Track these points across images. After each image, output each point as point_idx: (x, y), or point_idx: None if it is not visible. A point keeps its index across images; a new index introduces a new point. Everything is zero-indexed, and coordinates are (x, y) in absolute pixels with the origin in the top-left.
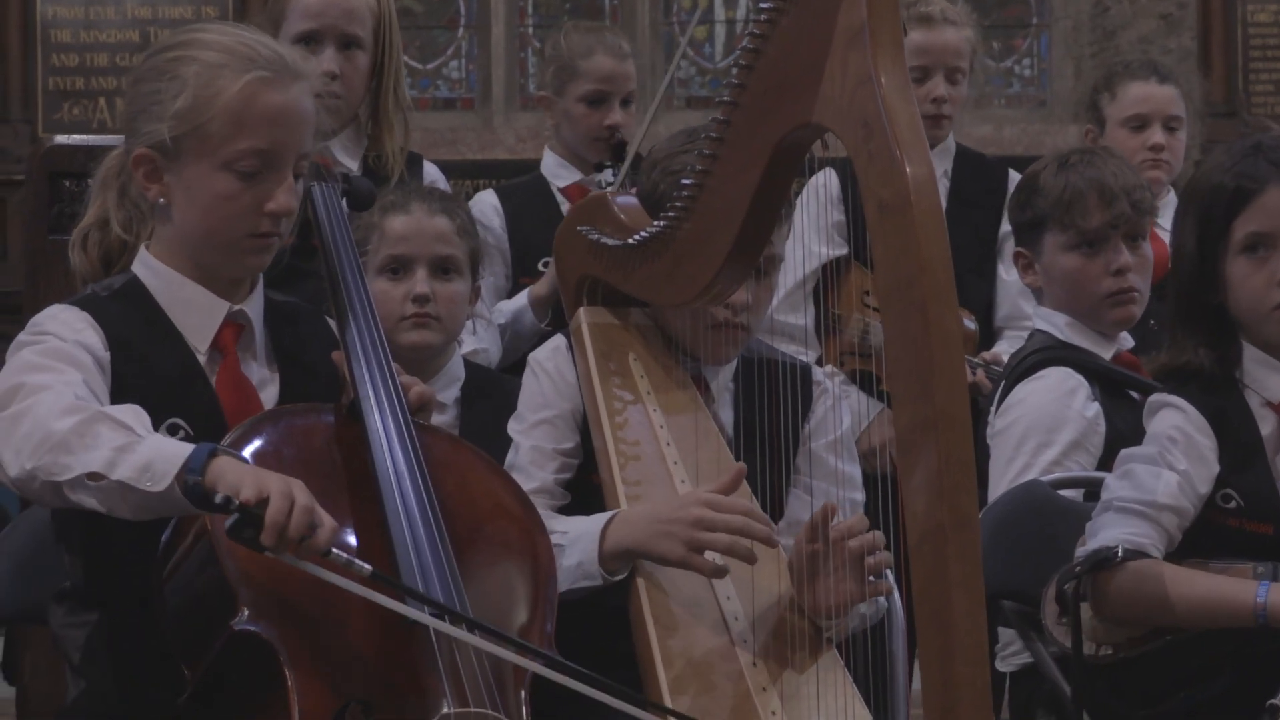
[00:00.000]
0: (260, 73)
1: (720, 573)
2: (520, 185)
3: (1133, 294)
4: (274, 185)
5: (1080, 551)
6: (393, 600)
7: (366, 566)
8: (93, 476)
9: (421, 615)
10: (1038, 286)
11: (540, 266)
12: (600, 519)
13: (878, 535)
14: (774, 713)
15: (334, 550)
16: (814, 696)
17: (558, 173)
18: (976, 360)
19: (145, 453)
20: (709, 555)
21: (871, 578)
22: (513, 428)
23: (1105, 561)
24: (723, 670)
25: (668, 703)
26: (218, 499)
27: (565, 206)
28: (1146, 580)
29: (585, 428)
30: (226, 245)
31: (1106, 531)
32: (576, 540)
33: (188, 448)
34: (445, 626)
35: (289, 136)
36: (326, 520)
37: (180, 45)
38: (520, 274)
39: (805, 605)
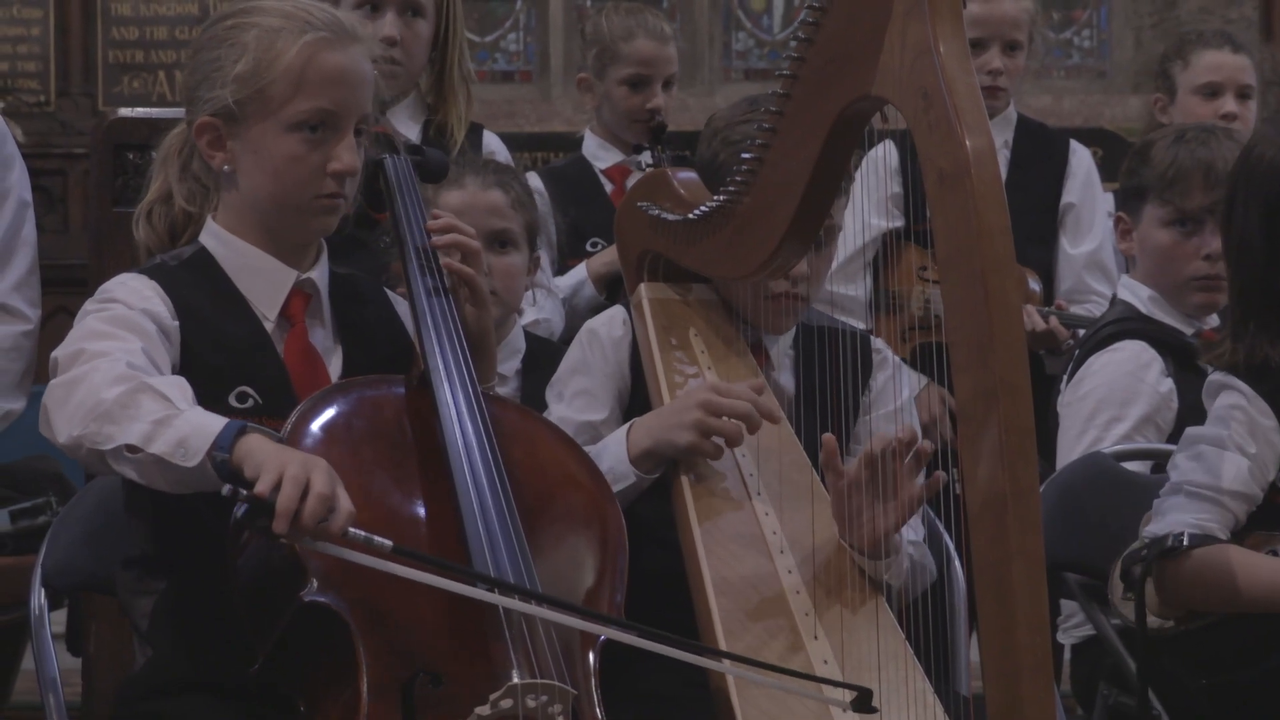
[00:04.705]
0: (318, 34)
1: (718, 453)
2: (563, 167)
3: (1220, 282)
4: (337, 146)
5: (1146, 531)
6: (420, 573)
7: (387, 542)
8: (131, 449)
9: (464, 588)
10: (1132, 254)
11: (589, 247)
12: (624, 429)
13: (927, 443)
14: (826, 661)
15: (351, 530)
16: (870, 649)
17: (599, 154)
18: (1047, 309)
19: (182, 427)
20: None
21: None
22: (550, 394)
23: (1171, 551)
24: (775, 620)
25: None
26: (224, 491)
27: (609, 188)
28: (1212, 568)
29: (629, 404)
30: (294, 208)
31: (1174, 515)
32: (605, 449)
33: (221, 423)
34: (479, 593)
35: (349, 96)
36: (343, 504)
37: (238, 14)
38: (568, 255)
39: (850, 539)
